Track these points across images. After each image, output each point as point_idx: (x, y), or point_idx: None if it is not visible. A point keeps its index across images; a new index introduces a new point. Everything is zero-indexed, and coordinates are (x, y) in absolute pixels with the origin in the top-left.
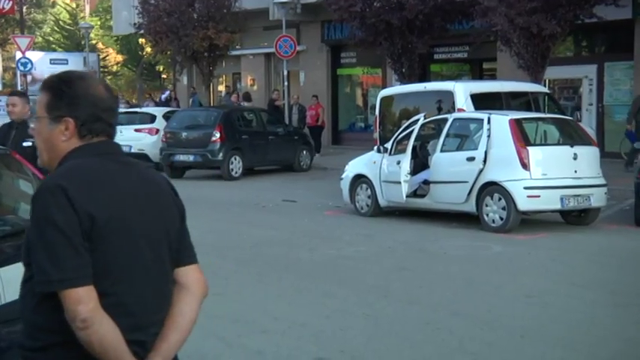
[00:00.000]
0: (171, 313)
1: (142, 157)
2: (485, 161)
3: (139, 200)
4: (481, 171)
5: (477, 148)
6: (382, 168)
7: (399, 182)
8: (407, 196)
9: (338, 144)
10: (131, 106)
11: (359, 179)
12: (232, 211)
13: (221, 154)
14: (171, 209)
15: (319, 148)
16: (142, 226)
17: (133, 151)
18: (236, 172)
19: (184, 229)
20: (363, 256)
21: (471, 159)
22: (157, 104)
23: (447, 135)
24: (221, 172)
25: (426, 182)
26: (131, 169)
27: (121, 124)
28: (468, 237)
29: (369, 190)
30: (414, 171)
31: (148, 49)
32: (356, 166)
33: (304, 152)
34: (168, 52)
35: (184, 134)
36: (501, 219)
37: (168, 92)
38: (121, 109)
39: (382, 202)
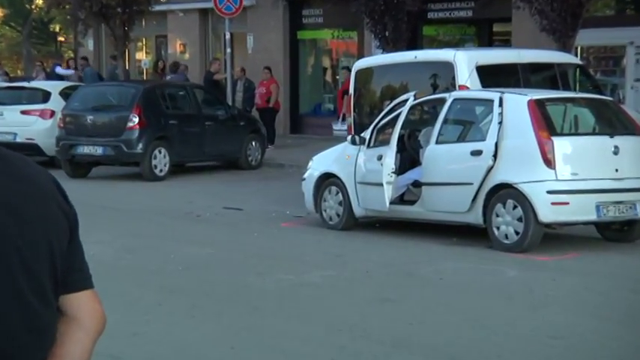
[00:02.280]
0: (55, 354)
1: (31, 148)
2: (495, 156)
3: (8, 207)
4: (490, 169)
5: (484, 139)
6: (358, 165)
7: (381, 184)
8: (391, 203)
9: (298, 132)
10: (13, 80)
11: (327, 180)
12: (156, 222)
13: (140, 146)
14: (56, 218)
15: (273, 138)
16: (11, 240)
17: (18, 140)
18: (161, 170)
19: (75, 244)
20: (331, 283)
21: (476, 153)
22: (53, 77)
23: (445, 121)
24: (141, 169)
25: (417, 184)
26: None
27: (2, 104)
28: (473, 257)
29: (340, 194)
30: (401, 169)
31: (39, 1)
32: (323, 162)
33: (253, 143)
34: (67, 7)
35: (90, 118)
36: (517, 234)
37: (70, 72)
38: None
39: (358, 210)
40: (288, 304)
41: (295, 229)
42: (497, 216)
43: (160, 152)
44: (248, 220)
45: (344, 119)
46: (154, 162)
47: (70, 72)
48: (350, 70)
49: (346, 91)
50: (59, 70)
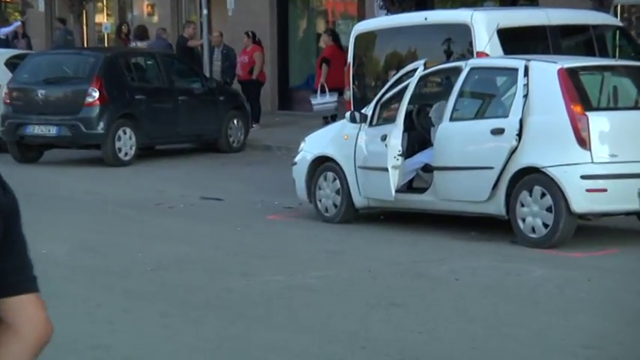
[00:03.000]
0: None
1: None
2: (520, 135)
3: None
4: (514, 151)
5: (507, 115)
6: (359, 146)
7: (386, 169)
8: (397, 191)
9: (288, 108)
10: None
11: (322, 164)
12: (121, 215)
13: (102, 125)
14: None
15: (258, 116)
16: None
17: None
18: (126, 154)
19: (12, 239)
20: (328, 285)
21: (497, 132)
22: None
23: (461, 94)
24: (102, 153)
25: (428, 169)
26: None
27: None
28: (494, 255)
29: (337, 181)
30: (409, 151)
31: None
32: (317, 143)
33: (235, 122)
34: None
35: (41, 93)
36: (545, 226)
37: (16, 24)
38: None
39: (358, 200)
40: (277, 310)
41: (285, 223)
42: (523, 206)
43: (124, 133)
44: (229, 213)
45: (323, 91)
46: (117, 144)
47: (16, 24)
48: (332, 35)
49: (325, 60)
50: (3, 30)
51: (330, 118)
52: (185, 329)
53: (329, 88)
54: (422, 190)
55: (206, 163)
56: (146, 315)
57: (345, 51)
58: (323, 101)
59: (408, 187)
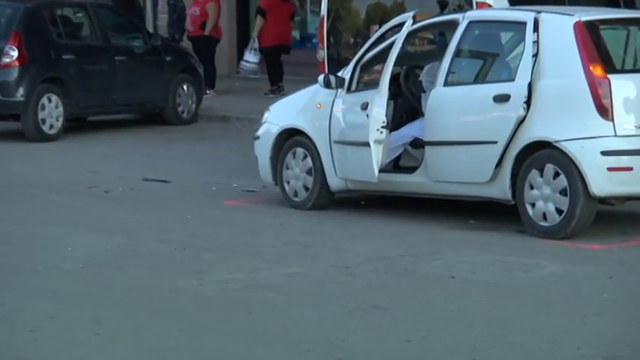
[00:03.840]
0: None
1: None
2: (528, 103)
3: None
4: (521, 121)
5: (512, 79)
6: (334, 117)
7: (367, 144)
8: (381, 171)
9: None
10: None
11: (290, 139)
12: (45, 200)
13: (21, 91)
14: None
15: (213, 80)
16: None
17: None
18: (52, 126)
19: None
20: (298, 284)
21: (502, 99)
22: None
23: (458, 53)
24: (22, 125)
25: (418, 143)
26: None
27: None
28: (497, 247)
29: (308, 159)
30: (395, 122)
31: None
32: (284, 113)
33: (185, 87)
34: None
35: None
36: (559, 212)
37: None
38: None
39: (335, 182)
40: (235, 315)
41: (246, 209)
42: (532, 188)
43: (49, 101)
44: (178, 197)
45: (255, 48)
46: (40, 114)
47: None
48: None
49: (260, 10)
50: None
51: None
52: (122, 338)
53: (262, 47)
54: (411, 170)
55: (150, 138)
56: (75, 321)
57: (289, 0)
58: (249, 59)
59: (394, 165)
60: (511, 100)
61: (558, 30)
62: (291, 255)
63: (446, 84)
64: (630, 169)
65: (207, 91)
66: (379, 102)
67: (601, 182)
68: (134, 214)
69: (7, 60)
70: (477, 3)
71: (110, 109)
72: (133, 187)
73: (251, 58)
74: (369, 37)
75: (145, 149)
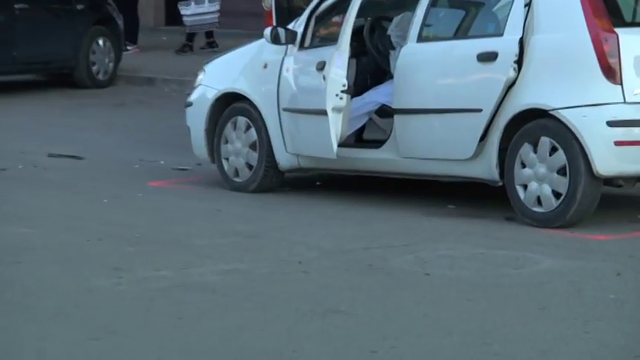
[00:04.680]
0: None
1: None
2: (519, 63)
3: None
4: (511, 85)
5: (500, 33)
6: (284, 79)
7: (324, 112)
8: (341, 145)
9: (180, 23)
10: None
11: (230, 106)
12: None
13: None
14: None
15: (135, 34)
16: None
17: None
18: None
19: None
20: (238, 284)
21: (488, 58)
22: None
23: (434, 2)
24: None
25: (385, 112)
26: None
27: None
28: (481, 238)
29: (252, 130)
30: (359, 86)
31: None
32: (223, 74)
33: (100, 43)
34: None
35: None
36: (557, 196)
37: None
38: None
39: (284, 158)
40: (161, 320)
41: (175, 192)
42: (524, 166)
43: None
44: (92, 177)
45: None
46: None
47: None
48: None
49: None
50: None
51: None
52: (23, 349)
53: None
54: (377, 144)
55: (58, 104)
56: None
57: None
58: (199, 11)
59: (357, 139)
60: (499, 59)
61: None
62: (230, 248)
63: (420, 39)
64: None
65: (129, 47)
66: (338, 61)
67: (607, 159)
68: (38, 198)
69: None
70: None
71: (9, 69)
72: (37, 164)
73: (204, 7)
74: None
75: (51, 118)
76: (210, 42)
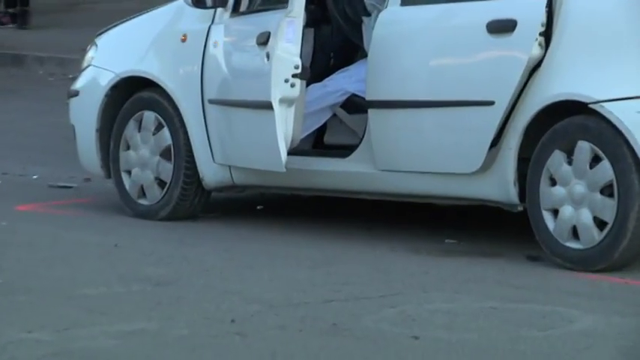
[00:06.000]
0: None
1: None
2: (547, 35)
3: None
4: (536, 67)
5: None
6: (210, 58)
7: (267, 105)
8: (293, 153)
9: None
10: None
11: (133, 96)
12: None
13: None
14: None
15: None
16: None
17: None
18: None
19: None
20: (145, 351)
21: (501, 27)
22: None
23: None
24: None
25: (355, 104)
26: None
27: None
28: (492, 284)
29: (165, 130)
30: (318, 66)
31: None
32: (122, 51)
33: None
34: None
35: None
36: (600, 225)
37: None
38: None
39: (211, 171)
40: None
41: (54, 220)
42: (554, 183)
43: None
44: None
45: None
46: None
47: None
48: None
49: None
50: None
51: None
52: None
53: None
54: (344, 151)
55: None
56: None
57: None
58: None
59: (316, 143)
60: (517, 29)
61: None
62: (133, 300)
63: (405, 2)
64: None
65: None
66: (289, 32)
67: None
68: None
69: None
70: None
71: None
72: None
73: None
74: None
75: None
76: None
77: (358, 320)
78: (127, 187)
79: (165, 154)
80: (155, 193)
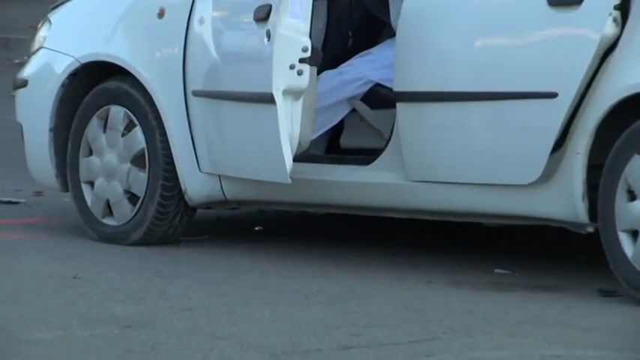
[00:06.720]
0: None
1: None
2: (623, 9)
3: None
4: (609, 50)
5: None
6: (195, 38)
7: (269, 98)
8: (300, 159)
9: None
10: None
11: (98, 86)
12: None
13: None
14: None
15: None
16: None
17: None
18: None
19: None
20: None
21: (565, 1)
22: None
23: None
24: None
25: (379, 96)
26: None
27: None
28: (556, 326)
29: (138, 130)
30: (332, 49)
31: None
32: (83, 29)
33: None
34: None
35: None
36: None
37: None
38: None
39: (196, 183)
40: None
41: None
42: (633, 197)
43: None
44: None
45: None
46: None
47: None
48: None
49: None
50: None
51: None
52: None
53: None
54: (365, 157)
55: None
56: None
57: None
58: None
59: (330, 147)
60: (586, 1)
61: None
62: (96, 346)
63: None
64: None
65: None
66: (296, 5)
67: None
68: None
69: None
70: None
71: None
72: None
73: None
74: None
75: None
76: None
77: None
78: (89, 202)
79: (137, 160)
80: (125, 211)
